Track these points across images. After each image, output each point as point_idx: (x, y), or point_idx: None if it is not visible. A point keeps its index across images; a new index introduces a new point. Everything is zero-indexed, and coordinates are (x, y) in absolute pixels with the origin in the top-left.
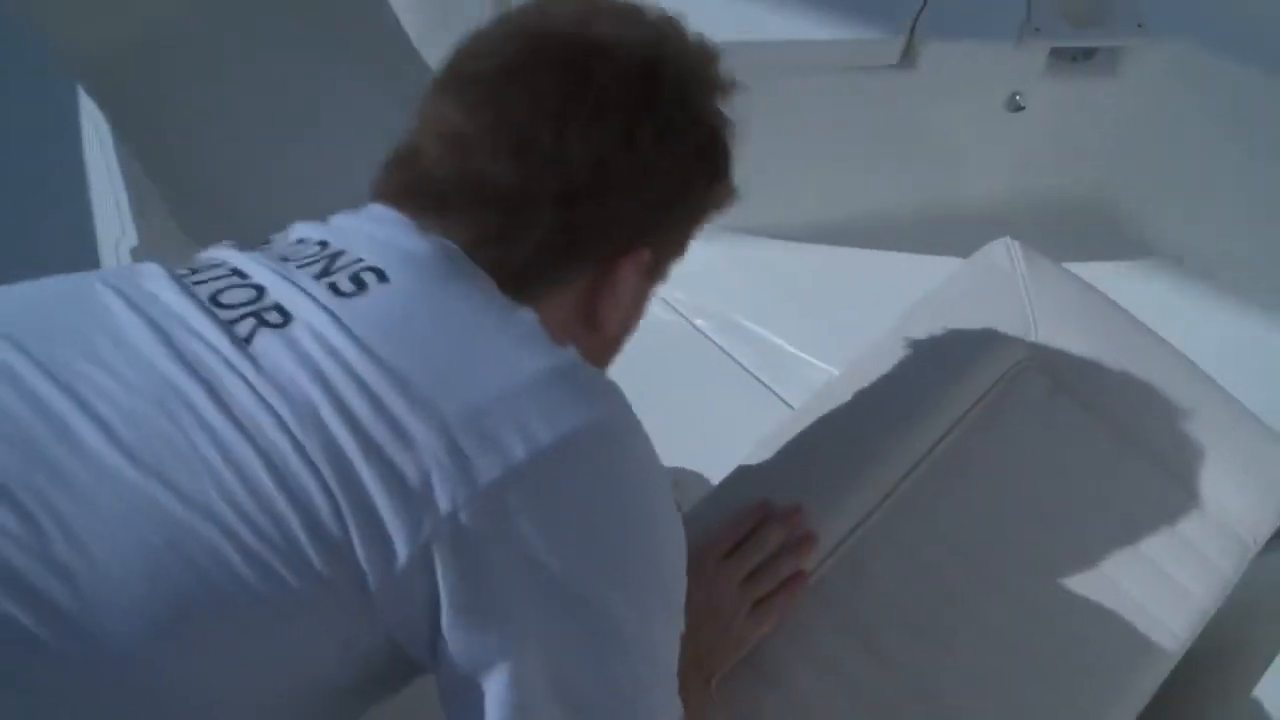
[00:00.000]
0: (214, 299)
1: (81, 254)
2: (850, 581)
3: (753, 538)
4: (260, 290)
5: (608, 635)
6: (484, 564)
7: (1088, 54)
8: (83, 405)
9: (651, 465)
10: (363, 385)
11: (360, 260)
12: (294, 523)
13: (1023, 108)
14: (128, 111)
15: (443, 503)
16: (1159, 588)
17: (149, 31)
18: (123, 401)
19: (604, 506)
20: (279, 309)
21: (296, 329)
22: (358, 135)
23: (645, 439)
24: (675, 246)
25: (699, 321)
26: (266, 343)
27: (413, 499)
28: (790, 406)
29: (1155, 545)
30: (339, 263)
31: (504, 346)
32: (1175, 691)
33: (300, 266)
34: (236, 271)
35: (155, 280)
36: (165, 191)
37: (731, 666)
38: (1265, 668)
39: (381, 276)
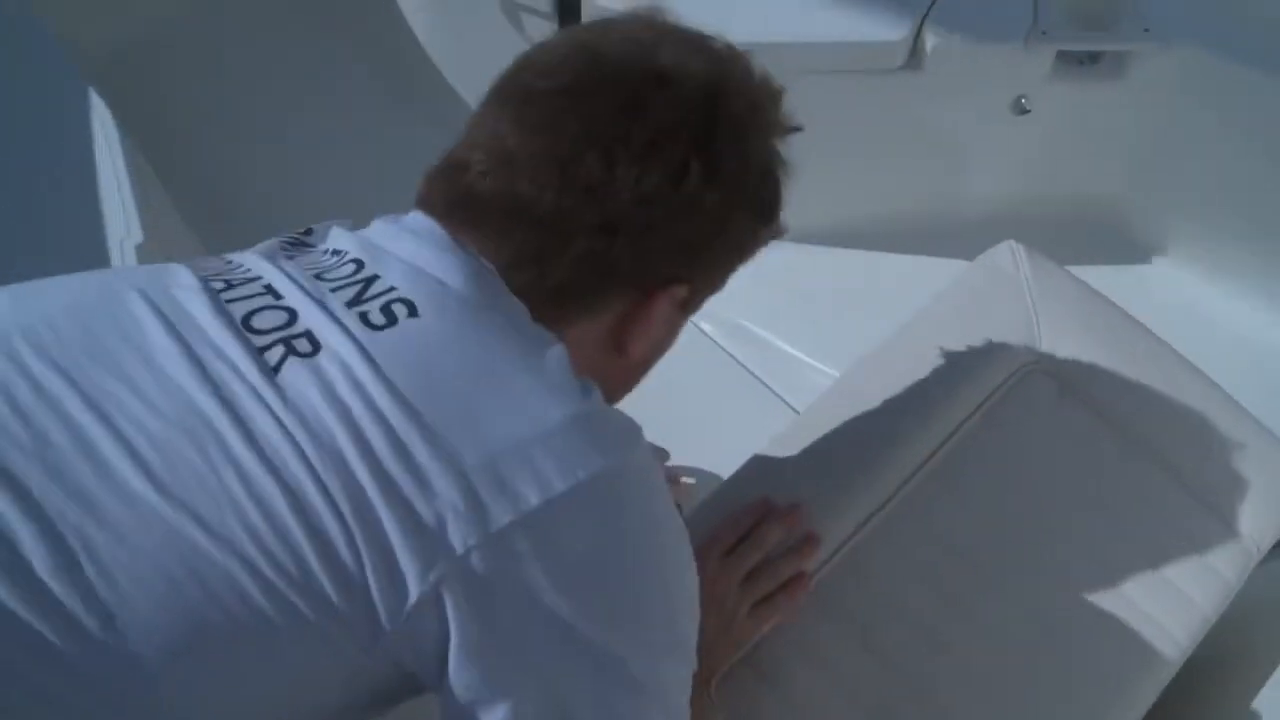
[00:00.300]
0: (246, 321)
1: (89, 250)
2: (851, 582)
3: (752, 536)
4: (292, 315)
5: (615, 676)
6: (494, 606)
7: (1094, 58)
8: (113, 430)
9: (665, 510)
10: (385, 425)
11: (393, 290)
12: (311, 557)
13: (1028, 111)
14: (134, 109)
15: (456, 545)
16: (1162, 593)
17: (156, 30)
18: (151, 427)
19: (614, 552)
20: (309, 337)
21: (325, 360)
22: (363, 132)
23: (661, 484)
24: (713, 283)
25: (704, 325)
26: (294, 373)
27: (427, 540)
28: (795, 410)
29: (1158, 550)
30: (372, 289)
31: (527, 392)
32: (1176, 699)
33: (334, 290)
34: (270, 289)
35: (189, 293)
36: (171, 188)
37: (730, 665)
38: (1267, 676)
39: (412, 310)
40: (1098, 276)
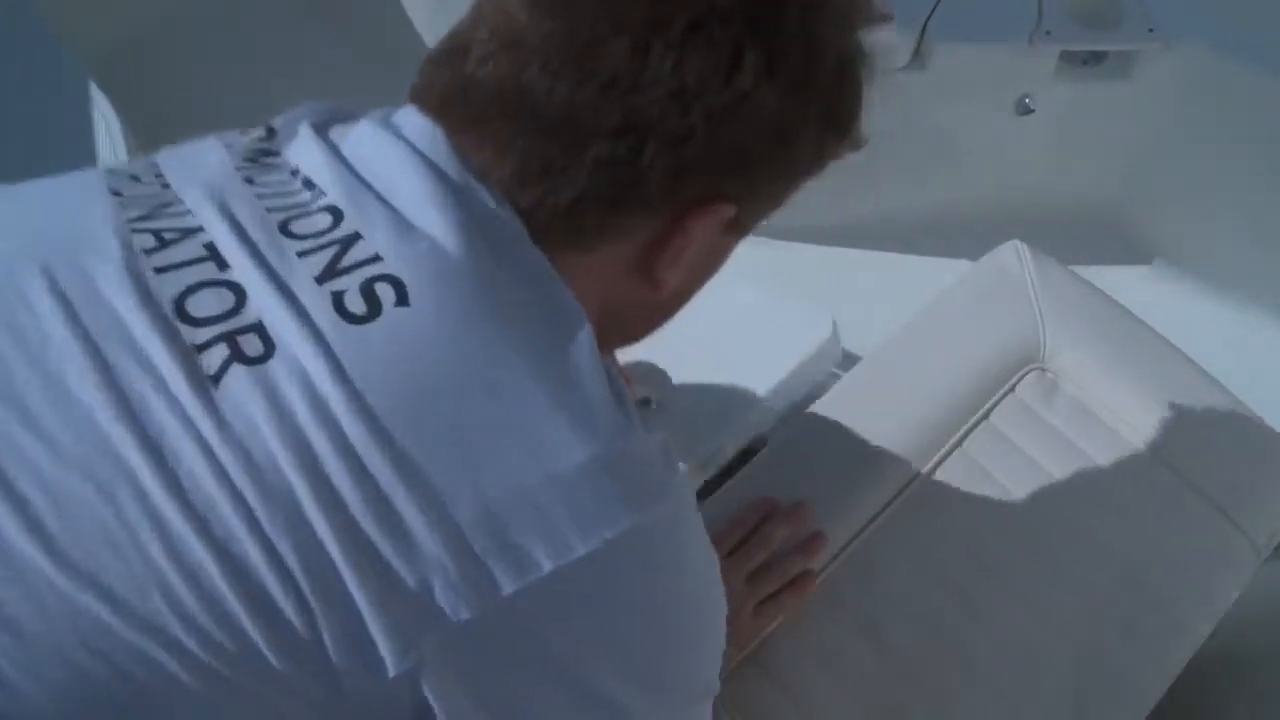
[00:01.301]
0: (180, 306)
1: None
2: (857, 580)
3: (756, 534)
4: (240, 296)
5: None
6: (491, 677)
7: (1098, 57)
8: (3, 483)
9: (698, 558)
10: (355, 462)
11: (377, 260)
12: (250, 628)
13: (1032, 110)
14: (136, 107)
15: (447, 613)
16: (1168, 592)
17: (157, 29)
18: (51, 477)
19: (638, 615)
20: (260, 332)
21: (278, 368)
22: None
23: (698, 536)
24: (769, 201)
25: None
26: (238, 386)
27: (408, 609)
28: None
29: (1164, 549)
30: (351, 256)
31: (543, 417)
32: (1182, 696)
33: (302, 254)
34: (213, 252)
35: (108, 267)
36: None
37: (736, 663)
38: (1272, 674)
39: (401, 295)
40: (1101, 276)
